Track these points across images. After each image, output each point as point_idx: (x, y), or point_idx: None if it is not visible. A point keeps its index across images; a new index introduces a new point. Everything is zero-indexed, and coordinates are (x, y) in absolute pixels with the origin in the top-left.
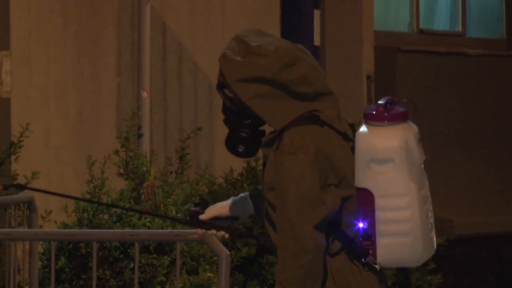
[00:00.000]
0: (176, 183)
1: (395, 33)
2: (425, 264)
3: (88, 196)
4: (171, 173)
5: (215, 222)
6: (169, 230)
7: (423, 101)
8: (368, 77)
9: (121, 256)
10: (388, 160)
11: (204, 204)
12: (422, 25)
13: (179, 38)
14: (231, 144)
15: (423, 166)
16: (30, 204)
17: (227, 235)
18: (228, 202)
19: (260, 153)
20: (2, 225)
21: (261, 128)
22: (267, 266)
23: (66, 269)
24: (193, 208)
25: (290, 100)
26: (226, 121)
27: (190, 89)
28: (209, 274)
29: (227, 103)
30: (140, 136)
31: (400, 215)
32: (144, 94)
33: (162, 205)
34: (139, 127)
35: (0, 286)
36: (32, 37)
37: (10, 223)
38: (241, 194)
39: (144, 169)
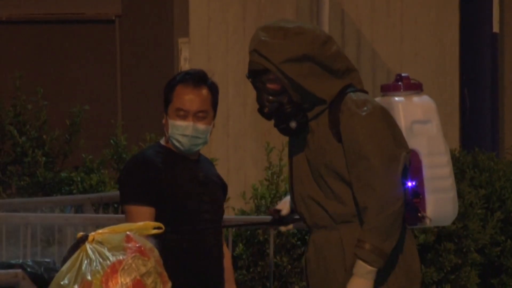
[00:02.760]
0: None
1: None
2: None
3: (266, 183)
4: None
5: (287, 217)
6: None
7: None
8: None
9: (299, 242)
10: (428, 121)
11: None
12: None
13: (357, 26)
14: (283, 124)
15: None
16: None
17: (292, 228)
18: (288, 197)
19: None
20: None
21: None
22: (444, 253)
23: (244, 256)
24: (272, 208)
25: (329, 77)
26: (262, 108)
27: (369, 76)
28: None
29: (271, 86)
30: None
31: (443, 172)
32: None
33: None
34: None
35: None
36: (211, 24)
37: None
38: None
39: None
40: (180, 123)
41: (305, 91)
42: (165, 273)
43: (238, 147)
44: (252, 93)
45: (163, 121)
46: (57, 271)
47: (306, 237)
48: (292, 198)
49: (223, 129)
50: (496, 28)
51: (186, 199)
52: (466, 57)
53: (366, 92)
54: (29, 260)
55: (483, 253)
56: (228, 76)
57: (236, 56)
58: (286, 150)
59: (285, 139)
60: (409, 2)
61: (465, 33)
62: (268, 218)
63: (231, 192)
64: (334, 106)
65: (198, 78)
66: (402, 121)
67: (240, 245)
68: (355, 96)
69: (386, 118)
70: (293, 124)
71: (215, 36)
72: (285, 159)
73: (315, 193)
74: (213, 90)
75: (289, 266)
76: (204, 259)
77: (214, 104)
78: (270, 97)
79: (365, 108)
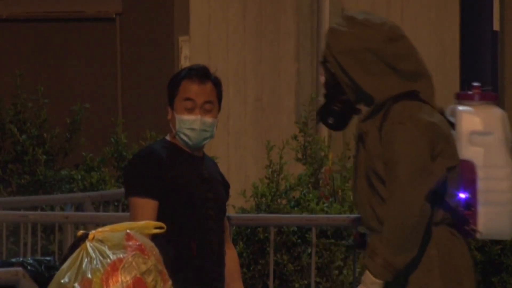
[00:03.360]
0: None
1: None
2: None
3: (266, 181)
4: (349, 158)
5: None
6: (346, 215)
7: None
8: None
9: (299, 241)
10: (489, 133)
11: None
12: None
13: None
14: (322, 115)
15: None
16: None
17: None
18: None
19: None
20: None
21: (358, 106)
22: None
23: (244, 254)
24: (357, 232)
25: (391, 75)
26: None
27: None
28: None
29: (327, 77)
30: (318, 121)
31: (500, 185)
32: (323, 79)
33: (340, 190)
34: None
35: None
36: (212, 23)
37: None
38: None
39: (322, 154)
40: (187, 117)
41: (357, 87)
42: (165, 271)
43: (238, 145)
44: (252, 92)
45: (169, 117)
46: (57, 269)
47: (306, 235)
48: (354, 198)
49: (223, 127)
50: (496, 26)
51: (191, 194)
52: (466, 55)
53: (426, 102)
54: (29, 258)
55: (483, 251)
56: (228, 74)
57: (237, 55)
58: (286, 148)
59: (286, 137)
60: (409, 0)
61: (466, 31)
62: (269, 216)
63: (232, 190)
64: (386, 112)
65: (203, 73)
66: (461, 130)
67: (241, 243)
68: (403, 106)
69: (429, 131)
70: (330, 121)
71: (215, 35)
72: (285, 157)
73: (369, 194)
74: (217, 84)
75: (290, 264)
76: (205, 256)
77: (219, 97)
78: (328, 87)
79: (408, 119)
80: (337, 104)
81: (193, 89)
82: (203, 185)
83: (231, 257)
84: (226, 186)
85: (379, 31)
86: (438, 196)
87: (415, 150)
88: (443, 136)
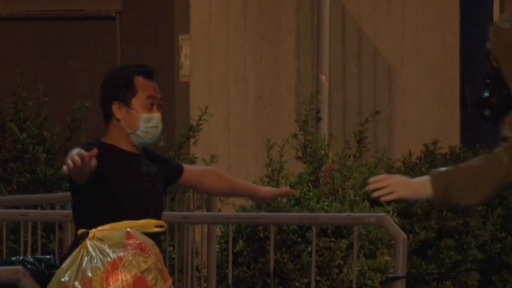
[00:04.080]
0: (354, 166)
1: None
2: None
3: (266, 180)
4: (349, 156)
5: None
6: (346, 214)
7: None
8: None
9: (299, 239)
10: None
11: None
12: None
13: (358, 22)
14: (479, 106)
15: None
16: None
17: None
18: None
19: (437, 136)
20: (181, 208)
21: None
22: (445, 250)
23: (244, 252)
24: None
25: None
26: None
27: (369, 73)
28: (387, 258)
29: (488, 68)
30: (318, 119)
31: None
32: (323, 78)
33: (340, 189)
34: (318, 111)
35: (179, 269)
36: (212, 21)
37: (188, 206)
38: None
39: (323, 152)
40: (152, 115)
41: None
42: (165, 270)
43: (239, 144)
44: (252, 90)
45: (119, 117)
46: (57, 268)
47: (306, 233)
48: None
49: (224, 126)
50: None
51: (127, 191)
52: (467, 53)
53: None
54: (29, 257)
55: (483, 250)
56: (229, 72)
57: (237, 53)
58: (286, 147)
59: (286, 135)
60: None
61: (466, 29)
62: (269, 215)
63: None
64: None
65: (151, 70)
66: None
67: (241, 241)
68: None
69: None
70: (486, 112)
71: (216, 33)
72: (286, 156)
73: None
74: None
75: (289, 263)
76: None
77: None
78: (489, 79)
79: None
80: (496, 97)
81: (151, 86)
82: (139, 181)
83: (219, 180)
84: (175, 169)
85: None
86: None
87: None
88: None
